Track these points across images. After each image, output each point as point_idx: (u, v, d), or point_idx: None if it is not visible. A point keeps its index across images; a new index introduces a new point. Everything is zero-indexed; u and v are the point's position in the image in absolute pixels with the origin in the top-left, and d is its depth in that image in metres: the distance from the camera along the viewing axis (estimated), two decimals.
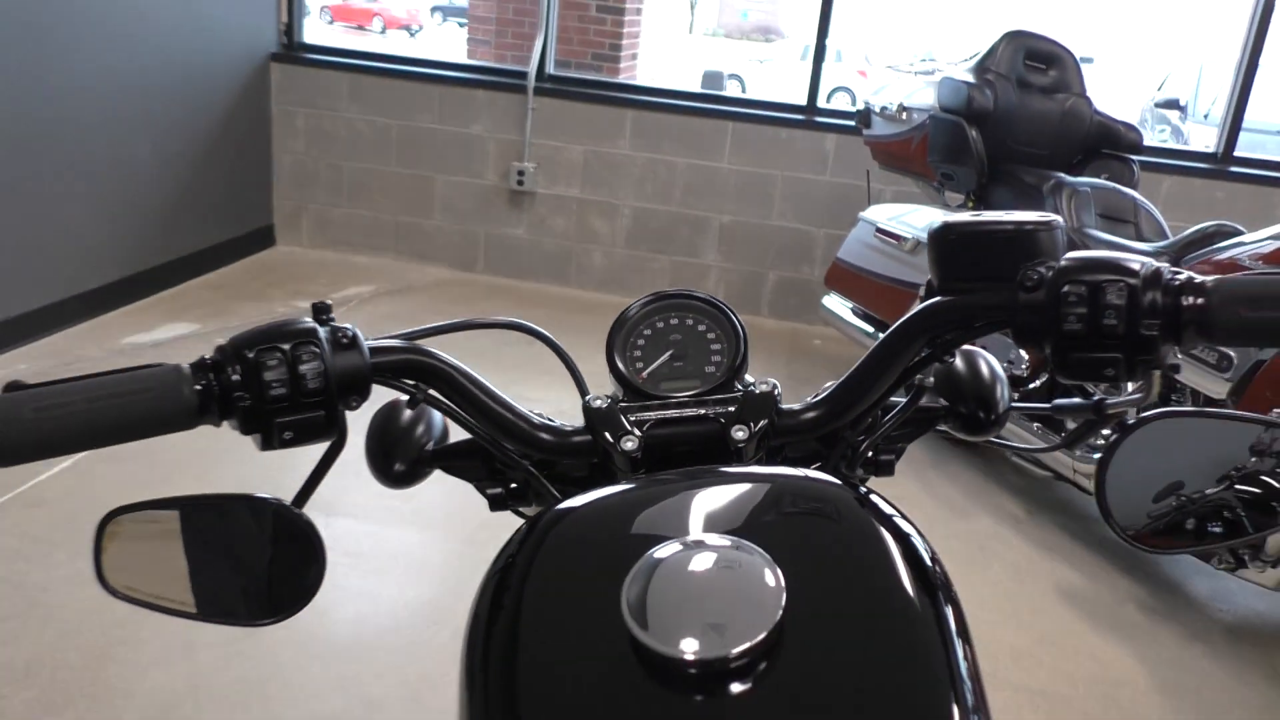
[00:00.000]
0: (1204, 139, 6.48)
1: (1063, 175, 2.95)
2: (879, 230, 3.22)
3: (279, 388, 0.61)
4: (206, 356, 0.63)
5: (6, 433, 0.55)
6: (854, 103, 11.22)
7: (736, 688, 0.48)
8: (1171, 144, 7.36)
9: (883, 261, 3.19)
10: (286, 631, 2.02)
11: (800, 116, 4.25)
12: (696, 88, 7.61)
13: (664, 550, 0.53)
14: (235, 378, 0.62)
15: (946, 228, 0.69)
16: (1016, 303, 0.64)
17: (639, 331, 0.76)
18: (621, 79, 6.38)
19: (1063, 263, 0.64)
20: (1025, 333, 0.65)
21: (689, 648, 0.48)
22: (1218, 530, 0.81)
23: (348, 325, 0.66)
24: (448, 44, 21.06)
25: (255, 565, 0.69)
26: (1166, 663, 2.25)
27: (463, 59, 6.46)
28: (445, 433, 0.78)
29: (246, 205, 4.54)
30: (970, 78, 3.10)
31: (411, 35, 23.95)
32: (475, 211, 4.55)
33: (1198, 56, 10.19)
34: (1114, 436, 0.72)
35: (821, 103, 4.31)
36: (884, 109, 3.42)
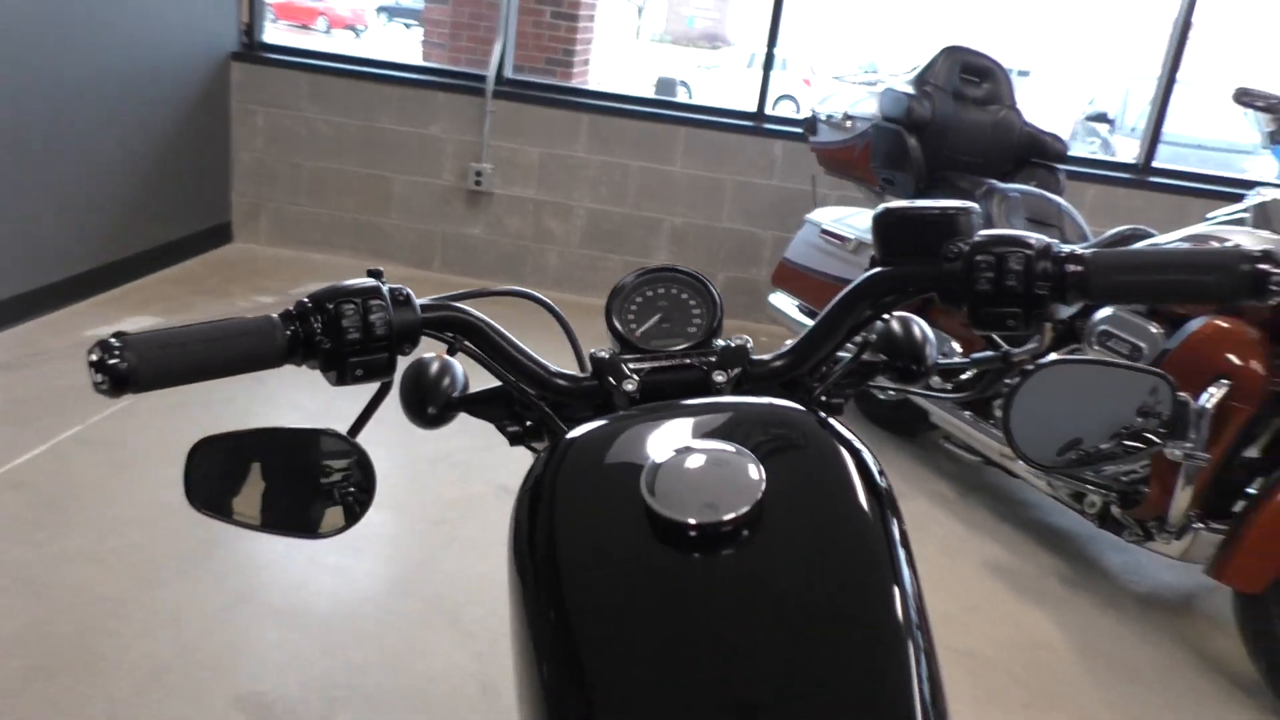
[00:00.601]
0: (1130, 151, 6.82)
1: (995, 182, 3.16)
2: (824, 231, 3.41)
3: (354, 333, 0.75)
4: (292, 308, 0.77)
5: (141, 367, 0.69)
6: (798, 110, 11.50)
7: (726, 547, 0.64)
8: (1100, 155, 7.69)
9: (827, 261, 3.38)
10: (270, 603, 2.15)
11: (750, 123, 4.43)
12: (650, 93, 7.77)
13: (670, 452, 0.68)
14: (317, 325, 0.75)
15: (886, 211, 0.85)
16: (941, 271, 0.81)
17: (632, 299, 0.92)
18: (574, 83, 6.52)
19: (976, 239, 0.80)
20: (947, 295, 0.82)
21: (692, 517, 0.64)
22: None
23: (402, 286, 0.80)
24: (394, 45, 21.03)
25: (317, 486, 0.83)
26: (1082, 628, 2.45)
27: (412, 60, 6.54)
28: (466, 383, 0.92)
29: (205, 202, 4.60)
30: (910, 89, 3.30)
31: (357, 35, 23.79)
32: (433, 211, 4.66)
33: (1125, 73, 10.64)
34: (1018, 380, 0.89)
35: (768, 110, 4.51)
36: (830, 117, 3.61)
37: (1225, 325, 2.26)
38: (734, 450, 0.68)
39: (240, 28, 4.65)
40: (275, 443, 0.82)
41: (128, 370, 0.68)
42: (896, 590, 0.67)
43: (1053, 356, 0.86)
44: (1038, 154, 3.46)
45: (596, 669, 0.62)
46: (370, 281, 0.79)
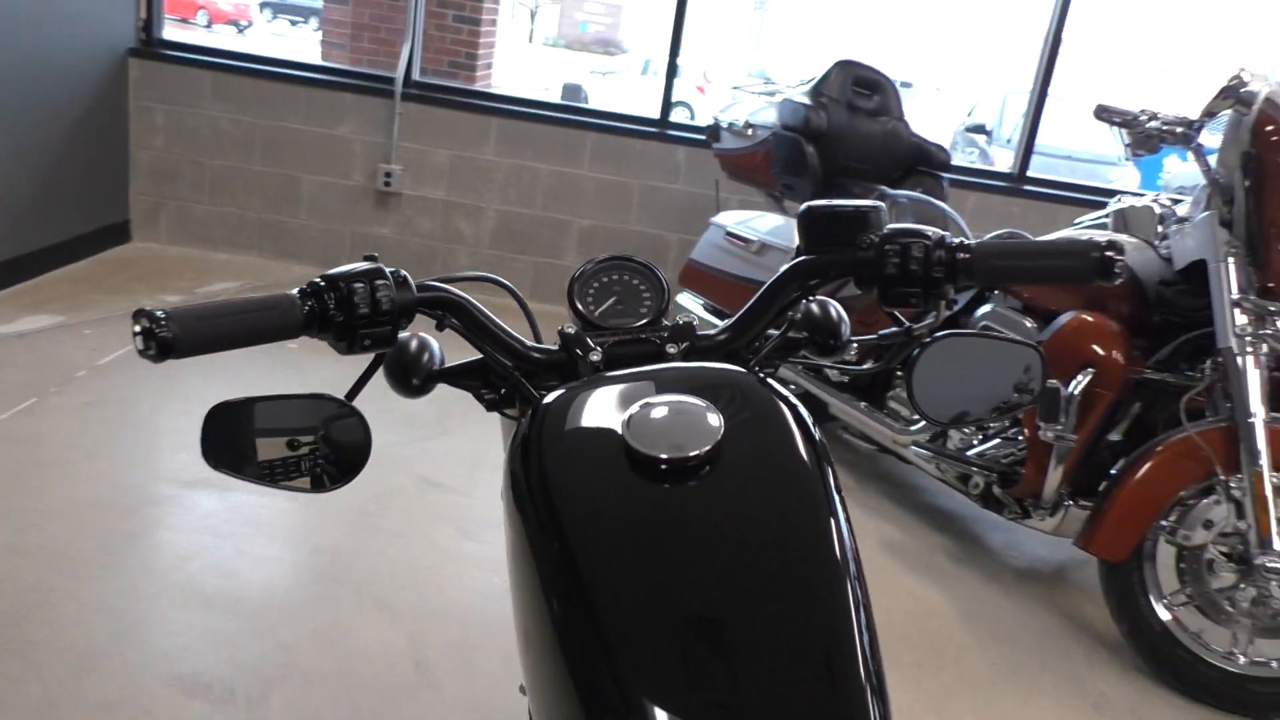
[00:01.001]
0: (1006, 161, 7.25)
1: (885, 188, 3.38)
2: (728, 234, 3.58)
3: (363, 309, 0.86)
4: (307, 287, 0.86)
5: (182, 336, 0.78)
6: (693, 117, 11.73)
7: (692, 479, 0.77)
8: (979, 165, 8.13)
9: (732, 262, 3.55)
10: (199, 591, 2.19)
11: (654, 129, 4.59)
12: (556, 99, 7.87)
13: (640, 404, 0.81)
14: (331, 302, 0.86)
15: (810, 209, 1.00)
16: (856, 258, 0.96)
17: (589, 284, 1.04)
18: (478, 86, 6.59)
19: (885, 232, 0.96)
20: (861, 278, 0.97)
21: (664, 453, 0.77)
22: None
23: (399, 269, 0.91)
24: (281, 42, 20.55)
25: (318, 446, 0.93)
26: (968, 598, 2.67)
27: (309, 59, 6.50)
28: (443, 359, 1.03)
29: (101, 200, 4.51)
30: (807, 100, 3.51)
31: (240, 31, 23.16)
32: (341, 211, 4.68)
33: (1002, 86, 11.22)
34: (916, 351, 1.04)
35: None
36: (732, 125, 3.79)
37: (1090, 319, 2.51)
38: (695, 401, 0.82)
39: (138, 24, 4.58)
40: (281, 407, 0.92)
41: (171, 339, 0.77)
42: (833, 520, 0.81)
43: (946, 331, 1.02)
44: (924, 163, 3.70)
45: (591, 582, 0.74)
46: (374, 265, 0.89)
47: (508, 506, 0.84)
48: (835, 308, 1.08)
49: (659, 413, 0.80)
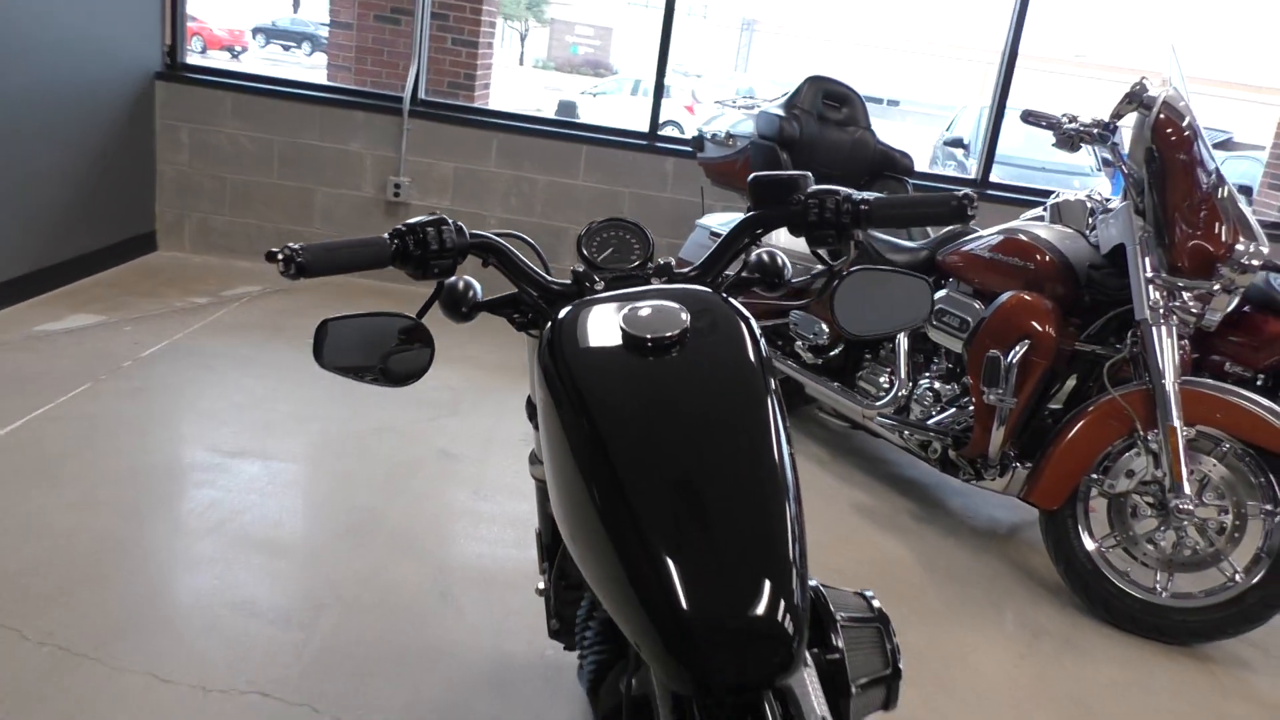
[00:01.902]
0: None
1: (850, 190, 3.73)
2: (712, 233, 3.93)
3: (434, 246, 1.19)
4: (394, 232, 1.20)
5: (312, 261, 1.12)
6: (683, 134, 12.13)
7: (667, 354, 1.10)
8: (955, 174, 8.52)
9: None
10: (251, 537, 2.52)
11: (644, 142, 4.95)
12: (551, 115, 8.25)
13: (633, 305, 1.15)
14: (410, 242, 1.19)
15: (755, 178, 1.34)
16: (789, 211, 1.30)
17: (593, 239, 1.38)
18: (477, 104, 6.95)
19: (809, 192, 1.30)
20: (793, 226, 1.31)
21: (649, 334, 1.10)
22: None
23: (458, 220, 1.24)
24: (277, 66, 20.94)
25: (395, 351, 1.26)
26: (927, 551, 3.01)
27: (316, 81, 6.84)
28: (480, 293, 1.36)
29: (130, 212, 4.85)
30: (781, 112, 3.87)
31: (234, 56, 23.58)
32: (354, 220, 5.02)
33: (979, 102, 11.64)
34: (837, 282, 1.38)
35: (660, 132, 5.04)
36: (714, 136, 4.15)
37: (1027, 298, 2.85)
38: (671, 303, 1.15)
39: (164, 50, 4.93)
40: (369, 322, 1.25)
41: (305, 263, 1.11)
42: (769, 397, 1.13)
43: (858, 266, 1.35)
44: (889, 168, 4.06)
45: (606, 429, 1.06)
46: (439, 217, 1.23)
47: (541, 393, 1.16)
48: (781, 256, 1.42)
49: (644, 311, 1.14)
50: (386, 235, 1.21)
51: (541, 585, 1.78)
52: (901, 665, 1.24)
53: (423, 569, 2.50)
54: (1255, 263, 2.54)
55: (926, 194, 1.34)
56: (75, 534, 2.44)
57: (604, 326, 1.15)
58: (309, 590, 2.35)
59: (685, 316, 1.13)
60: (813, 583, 1.23)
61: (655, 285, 1.28)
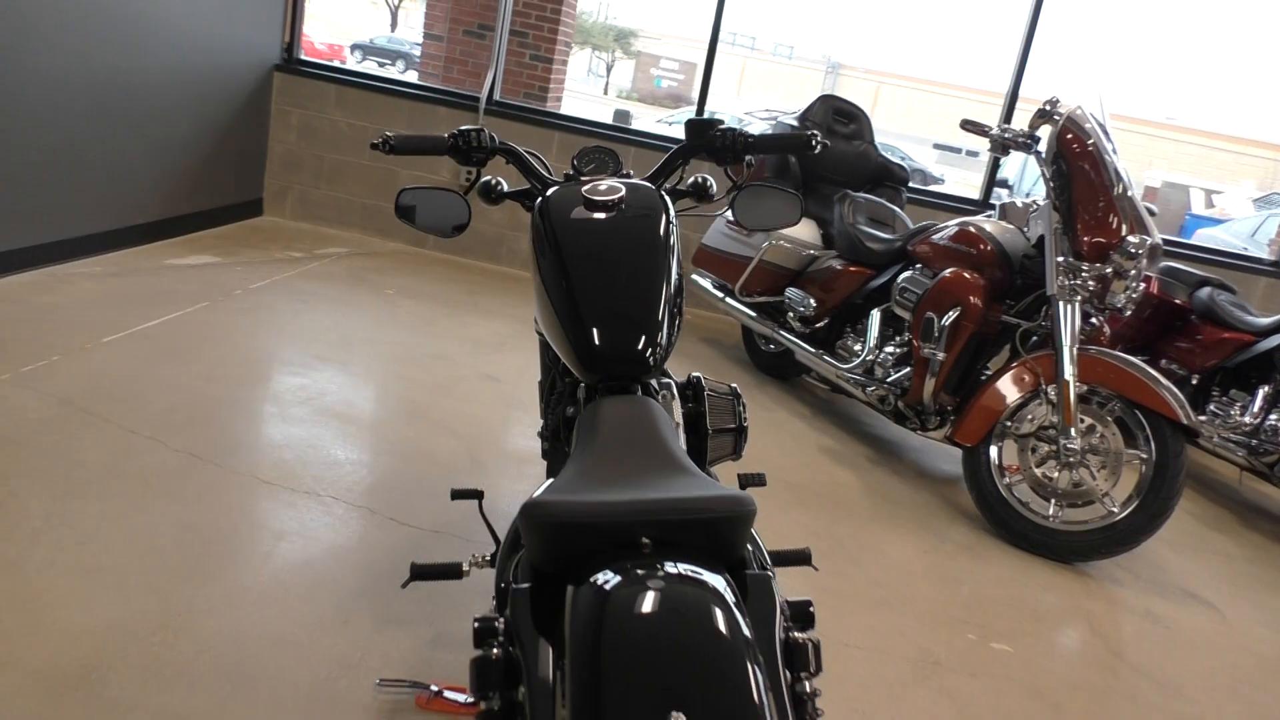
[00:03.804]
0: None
1: (849, 191, 4.40)
2: (729, 222, 4.62)
3: (475, 143, 1.91)
4: (451, 133, 1.92)
5: (398, 143, 1.84)
6: None
7: (610, 211, 1.79)
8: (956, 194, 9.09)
9: (730, 243, 4.59)
10: (332, 411, 3.27)
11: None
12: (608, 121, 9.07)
13: (592, 183, 1.84)
14: (461, 140, 1.91)
15: (689, 121, 2.04)
16: (706, 140, 1.99)
17: (583, 157, 2.08)
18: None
19: (720, 129, 1.99)
20: (711, 153, 1.99)
21: (599, 198, 1.79)
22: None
23: (492, 134, 1.96)
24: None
25: (447, 212, 1.97)
26: (872, 481, 3.63)
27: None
28: (506, 186, 2.06)
29: (244, 180, 5.72)
30: (794, 123, 4.56)
31: None
32: None
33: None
34: (737, 192, 2.04)
35: None
36: None
37: (964, 274, 3.49)
38: (618, 183, 1.84)
39: (283, 46, 5.81)
40: (432, 193, 1.97)
41: (394, 144, 1.83)
42: (667, 235, 1.81)
43: (755, 182, 2.02)
44: (888, 178, 4.71)
45: (564, 246, 1.74)
46: (480, 127, 1.94)
47: (531, 235, 1.86)
48: (710, 181, 2.10)
49: (601, 186, 1.83)
50: (447, 134, 1.93)
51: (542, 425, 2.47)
52: (746, 424, 1.89)
53: (458, 443, 3.22)
54: (1140, 251, 3.15)
55: (788, 132, 2.01)
56: (201, 392, 3.21)
57: (572, 197, 1.84)
58: (370, 444, 3.08)
59: (623, 191, 1.82)
60: (696, 374, 1.91)
61: (610, 179, 1.98)
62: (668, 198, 1.89)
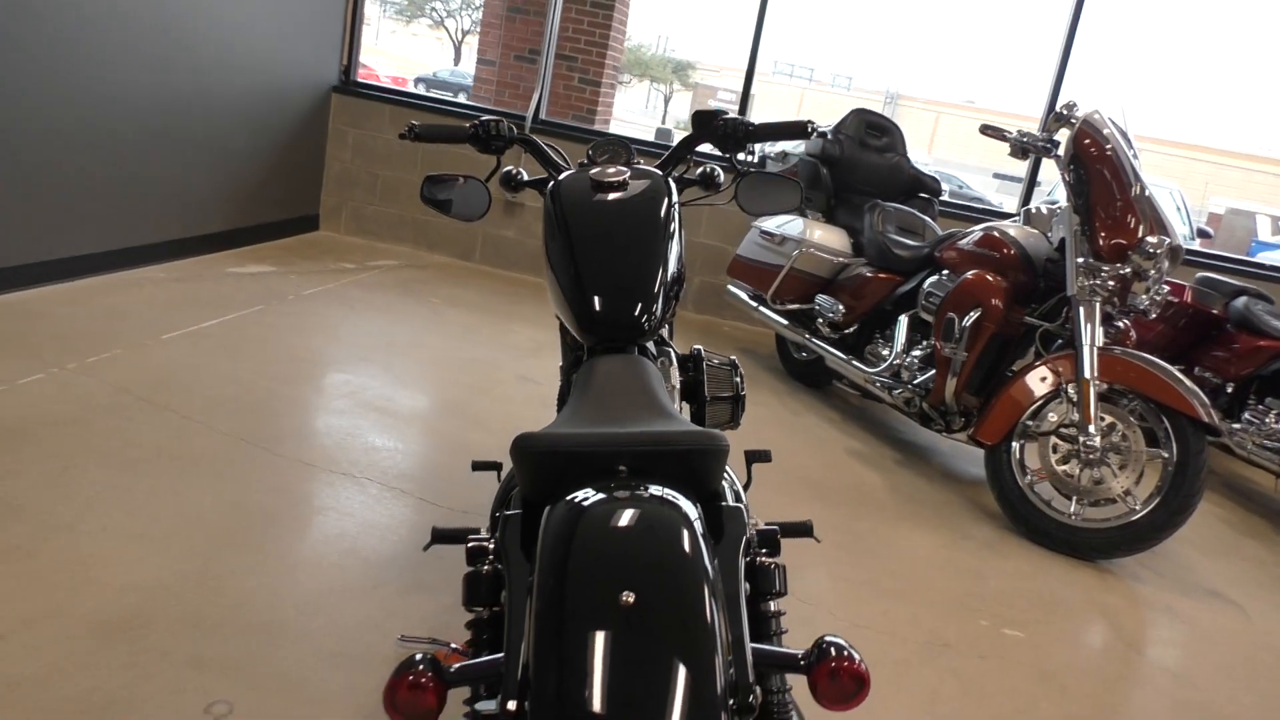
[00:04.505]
0: None
1: (879, 200, 4.48)
2: (762, 232, 4.73)
3: (494, 133, 2.05)
4: (472, 123, 2.07)
5: (424, 132, 1.99)
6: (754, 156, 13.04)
7: (616, 192, 1.91)
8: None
9: (762, 253, 4.69)
10: (372, 405, 3.43)
11: (724, 163, 5.79)
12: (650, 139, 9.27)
13: (600, 166, 1.97)
14: (481, 129, 2.06)
15: (696, 112, 2.16)
16: (711, 130, 2.11)
17: (597, 150, 2.21)
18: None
19: (722, 120, 2.11)
20: (716, 141, 2.11)
21: (606, 179, 1.92)
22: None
23: (512, 125, 2.10)
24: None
25: (470, 197, 2.12)
26: (899, 483, 3.69)
27: None
28: (525, 175, 2.20)
29: (301, 196, 5.97)
30: (827, 135, 4.66)
31: None
32: None
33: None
34: (739, 179, 2.15)
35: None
36: (773, 155, 4.97)
37: (988, 277, 3.55)
38: (624, 167, 1.96)
39: (340, 69, 6.08)
40: (454, 180, 2.11)
41: (420, 132, 1.98)
42: (669, 212, 1.92)
43: (757, 170, 2.13)
44: (921, 189, 4.79)
45: (570, 221, 1.87)
46: (499, 118, 2.09)
47: (544, 215, 1.99)
48: (718, 170, 2.22)
49: (609, 170, 1.96)
50: (469, 124, 2.07)
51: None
52: (744, 394, 1.99)
53: (491, 437, 3.36)
54: (1159, 251, 3.19)
55: (789, 120, 2.12)
56: (250, 385, 3.40)
57: (582, 179, 1.97)
58: (407, 434, 3.23)
59: (628, 174, 1.95)
60: (698, 347, 2.02)
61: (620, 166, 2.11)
62: (673, 183, 2.01)
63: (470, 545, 1.32)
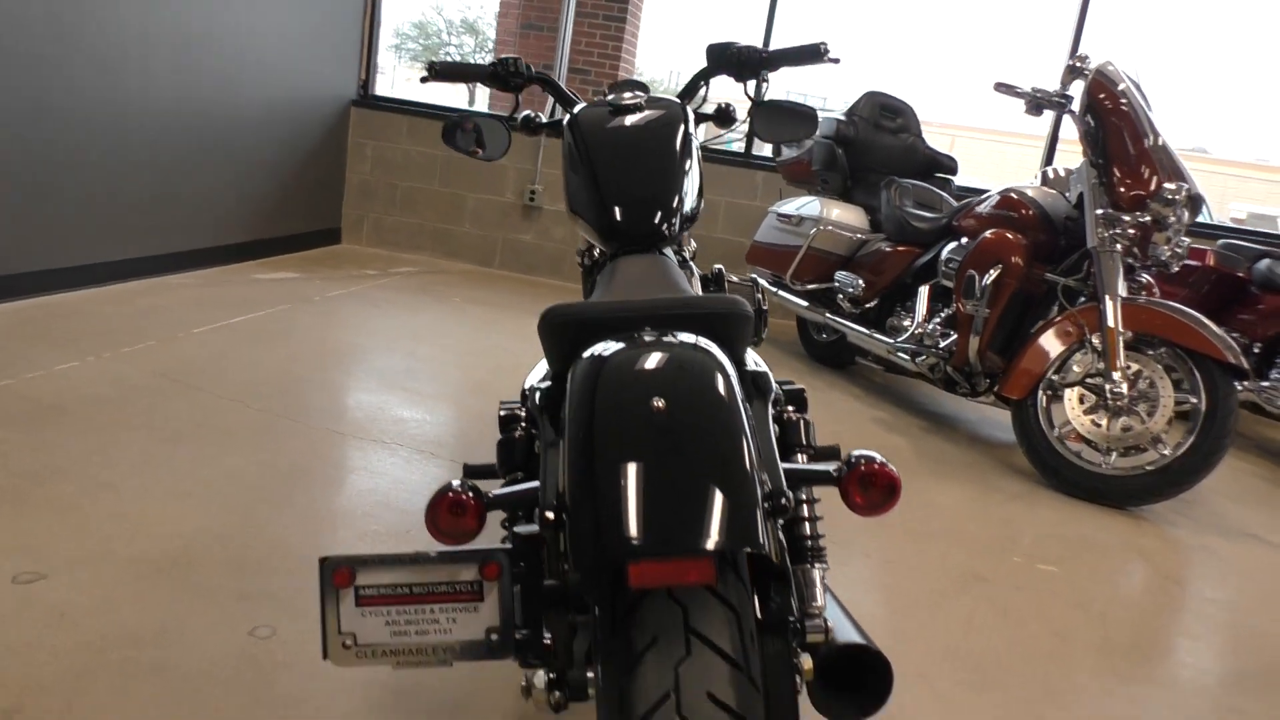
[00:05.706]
0: None
1: (895, 176, 4.51)
2: (779, 215, 4.77)
3: (513, 70, 2.10)
4: (492, 63, 2.12)
5: (444, 72, 2.04)
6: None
7: (633, 114, 1.96)
8: None
9: (780, 235, 4.73)
10: (401, 387, 3.47)
11: (739, 159, 5.85)
12: None
13: (616, 95, 2.01)
14: (501, 64, 2.11)
15: (710, 46, 2.20)
16: (726, 58, 2.14)
17: (614, 87, 2.26)
18: None
19: (734, 49, 2.15)
20: (732, 71, 2.15)
21: (620, 102, 1.96)
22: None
23: (529, 64, 2.15)
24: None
25: (489, 139, 2.16)
26: (924, 446, 3.69)
27: None
28: (544, 118, 2.24)
29: (323, 208, 6.07)
30: (841, 117, 4.71)
31: None
32: (496, 221, 6.09)
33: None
34: (755, 109, 2.19)
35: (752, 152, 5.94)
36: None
37: (1007, 234, 3.56)
38: (639, 93, 2.01)
39: (359, 83, 6.20)
40: (474, 122, 2.16)
41: (440, 69, 2.04)
42: (686, 136, 1.95)
43: (771, 100, 2.16)
44: (937, 169, 4.81)
45: (588, 142, 1.90)
46: (518, 58, 2.14)
47: (563, 146, 2.04)
48: (733, 106, 2.26)
49: (625, 94, 2.00)
50: (489, 63, 2.13)
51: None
52: (766, 309, 2.02)
53: (496, 401, 3.39)
54: (1178, 198, 3.20)
55: (802, 45, 2.16)
56: (279, 369, 3.45)
57: (600, 110, 2.02)
58: (435, 408, 3.27)
59: (643, 97, 1.99)
60: (718, 266, 2.05)
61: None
62: (685, 106, 2.06)
63: (503, 414, 1.35)
